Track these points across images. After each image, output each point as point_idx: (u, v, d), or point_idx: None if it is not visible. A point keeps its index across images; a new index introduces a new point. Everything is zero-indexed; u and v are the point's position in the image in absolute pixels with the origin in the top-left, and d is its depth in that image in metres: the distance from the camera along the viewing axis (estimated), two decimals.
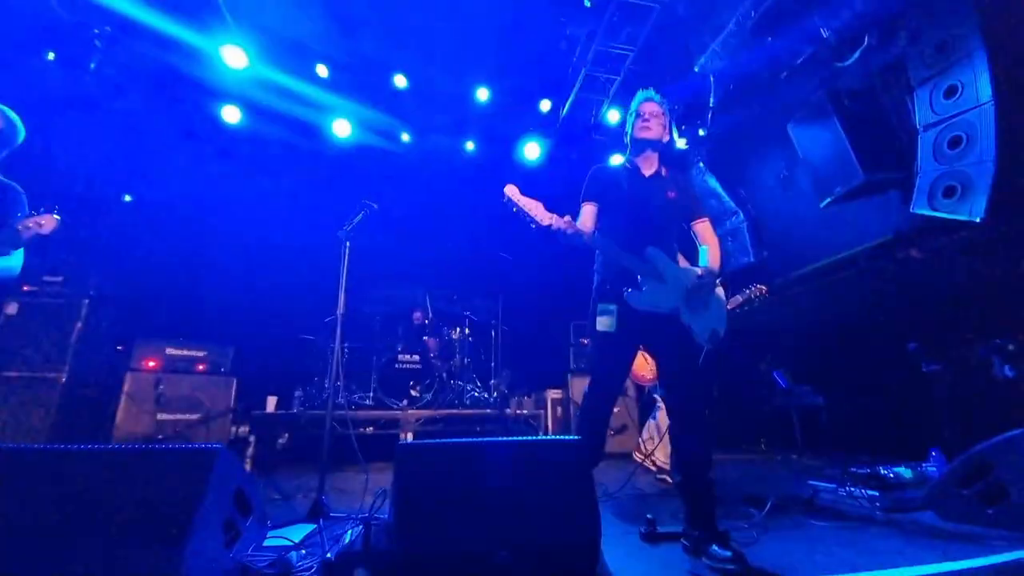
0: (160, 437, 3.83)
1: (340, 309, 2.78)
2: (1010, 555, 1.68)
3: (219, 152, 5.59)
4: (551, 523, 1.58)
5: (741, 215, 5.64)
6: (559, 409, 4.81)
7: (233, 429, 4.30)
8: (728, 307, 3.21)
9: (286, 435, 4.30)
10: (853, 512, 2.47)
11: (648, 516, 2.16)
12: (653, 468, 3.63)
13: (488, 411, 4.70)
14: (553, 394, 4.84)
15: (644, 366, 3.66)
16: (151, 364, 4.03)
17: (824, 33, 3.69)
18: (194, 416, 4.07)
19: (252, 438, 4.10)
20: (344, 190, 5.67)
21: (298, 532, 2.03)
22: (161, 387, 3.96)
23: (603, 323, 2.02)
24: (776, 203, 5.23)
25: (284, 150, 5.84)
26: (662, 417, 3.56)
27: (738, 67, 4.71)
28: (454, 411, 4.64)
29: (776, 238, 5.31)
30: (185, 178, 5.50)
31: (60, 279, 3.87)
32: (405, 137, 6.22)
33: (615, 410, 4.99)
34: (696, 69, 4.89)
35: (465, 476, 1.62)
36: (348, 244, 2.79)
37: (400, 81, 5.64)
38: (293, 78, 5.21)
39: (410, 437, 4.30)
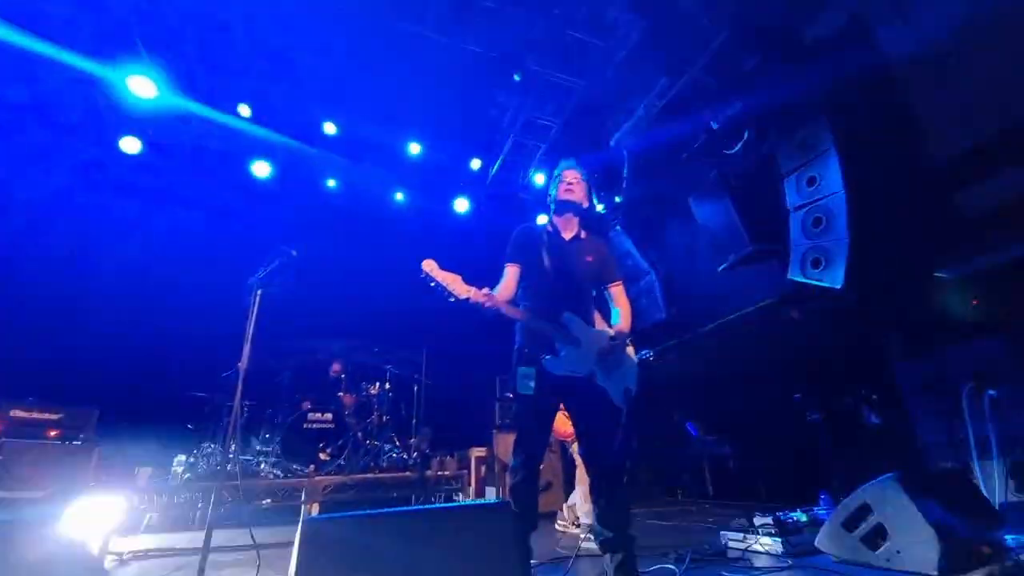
0: None
1: (243, 363, 2.50)
2: None
3: (106, 184, 5.01)
4: None
5: (653, 275, 6.15)
6: (483, 468, 4.62)
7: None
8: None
9: (149, 516, 3.64)
10: (760, 560, 2.59)
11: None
12: (576, 530, 3.57)
13: (407, 473, 4.37)
14: (477, 452, 4.65)
15: (566, 424, 3.70)
16: None
17: (714, 125, 4.35)
18: (38, 494, 3.30)
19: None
20: (257, 232, 5.31)
21: None
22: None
23: (524, 386, 2.06)
24: (682, 265, 5.80)
25: (190, 188, 5.39)
26: (580, 475, 3.56)
27: (647, 145, 5.34)
28: (369, 475, 4.25)
29: (684, 297, 5.83)
30: (60, 207, 4.82)
31: None
32: (331, 183, 6.08)
33: (540, 466, 4.93)
34: (612, 144, 5.46)
35: (382, 551, 1.45)
36: (259, 292, 2.57)
37: (329, 128, 5.58)
38: (211, 111, 4.93)
39: (315, 509, 3.84)
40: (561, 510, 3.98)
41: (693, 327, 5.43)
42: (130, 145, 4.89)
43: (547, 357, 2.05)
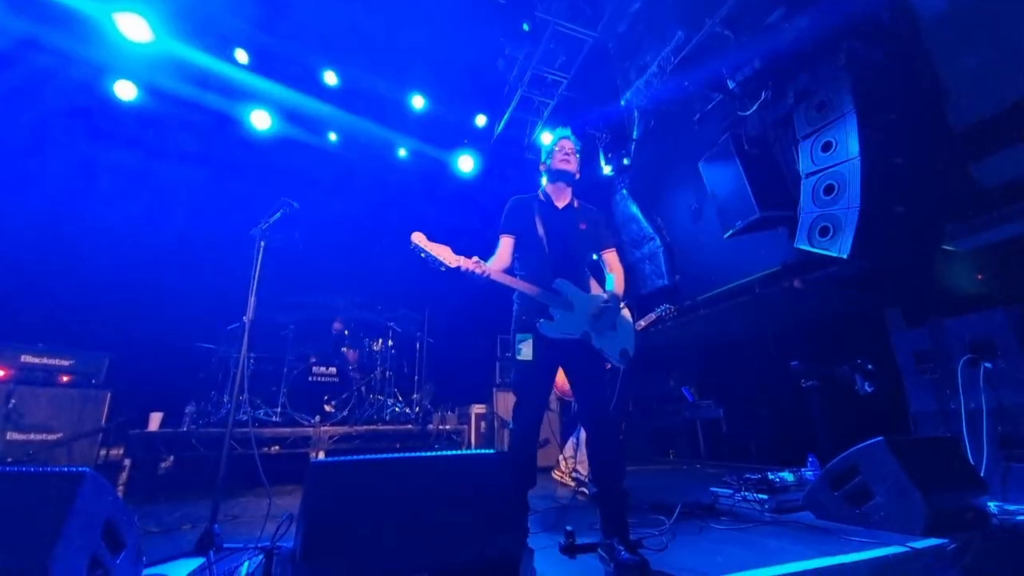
0: (9, 460, 3.18)
1: (248, 315, 2.52)
2: (874, 551, 1.94)
3: (105, 132, 4.90)
4: (472, 542, 1.53)
5: (658, 240, 6.09)
6: (483, 424, 4.76)
7: (102, 452, 3.70)
8: (643, 324, 3.46)
9: (170, 458, 3.78)
10: (747, 515, 2.71)
11: (567, 528, 2.18)
12: (572, 484, 3.72)
13: (409, 427, 4.52)
14: (477, 409, 4.79)
15: (565, 379, 3.77)
16: (0, 374, 3.36)
17: (730, 84, 4.17)
18: (53, 436, 3.44)
19: (127, 462, 3.54)
20: (260, 186, 5.24)
21: (182, 568, 1.78)
22: (12, 401, 3.31)
23: (523, 352, 2.15)
24: (687, 232, 5.73)
25: (189, 137, 5.27)
26: (583, 432, 3.67)
27: (658, 105, 5.15)
28: (372, 427, 4.40)
29: (687, 263, 5.80)
30: (60, 156, 4.74)
31: None
32: (333, 136, 5.93)
33: (539, 429, 5.09)
34: (622, 103, 5.26)
35: (383, 495, 1.52)
36: (263, 244, 2.56)
37: (330, 78, 5.39)
38: (207, 58, 4.74)
39: (322, 456, 3.99)
40: (557, 462, 4.14)
41: (695, 294, 5.43)
42: (125, 90, 4.74)
43: (541, 321, 2.12)
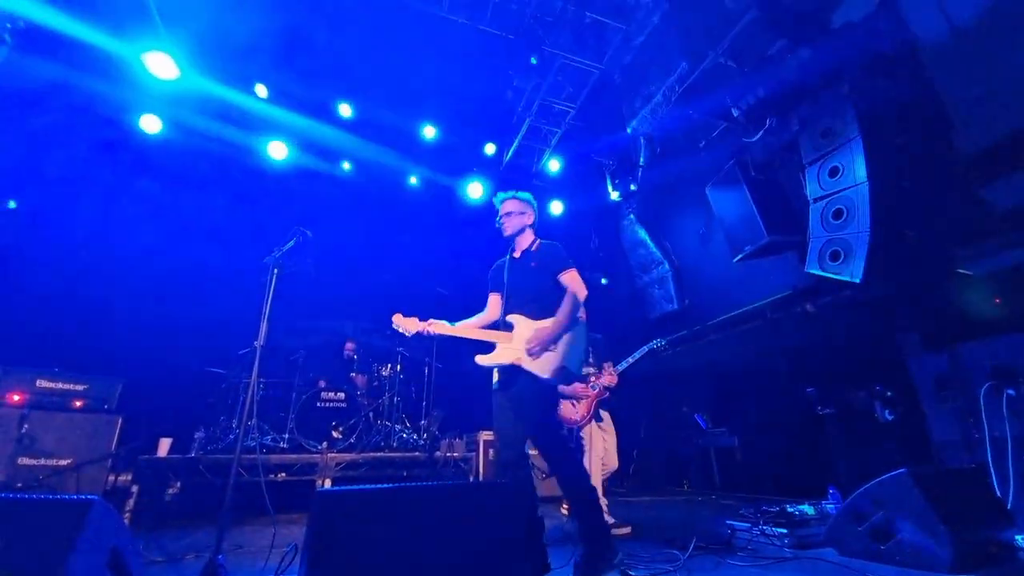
0: (18, 486, 3.19)
1: (260, 340, 2.55)
2: None
3: (128, 163, 5.09)
4: (484, 575, 1.49)
5: (666, 265, 6.09)
6: (491, 451, 4.68)
7: (111, 477, 3.69)
8: (638, 355, 3.68)
9: (178, 484, 3.76)
10: (766, 551, 2.60)
11: (576, 560, 2.12)
12: None
13: (417, 454, 4.46)
14: (486, 436, 4.71)
15: (571, 410, 3.76)
16: (15, 398, 3.41)
17: (735, 112, 4.24)
18: (63, 462, 3.45)
19: (135, 488, 3.53)
20: (275, 214, 5.37)
21: None
22: (25, 426, 3.34)
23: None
24: (696, 256, 5.73)
25: (207, 168, 5.46)
26: (586, 460, 3.60)
27: (664, 133, 5.25)
28: (380, 454, 4.34)
29: (696, 288, 5.77)
30: (86, 187, 4.92)
31: None
32: (346, 165, 6.10)
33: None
34: (628, 130, 5.37)
35: (391, 526, 1.49)
36: (276, 271, 2.61)
37: (345, 110, 5.58)
38: (228, 91, 4.96)
39: (328, 484, 3.94)
40: (563, 501, 4.04)
41: (705, 318, 5.38)
42: (150, 124, 4.95)
43: (477, 356, 2.42)
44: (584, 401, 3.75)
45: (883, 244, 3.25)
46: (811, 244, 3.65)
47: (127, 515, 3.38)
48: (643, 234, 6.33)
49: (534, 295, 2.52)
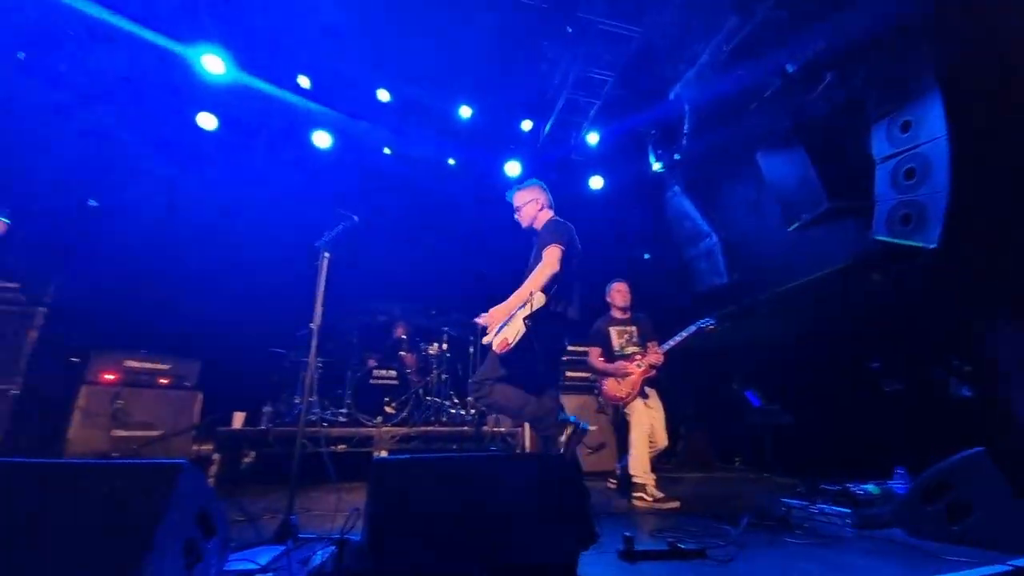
0: (115, 455, 3.61)
1: (315, 322, 2.71)
2: (974, 572, 1.74)
3: (193, 159, 5.45)
4: (529, 543, 1.55)
5: (714, 237, 5.83)
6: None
7: (195, 447, 4.10)
8: (674, 343, 3.65)
9: (252, 453, 4.11)
10: (825, 529, 2.52)
11: (625, 534, 2.14)
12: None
13: (465, 428, 4.62)
14: None
15: (617, 388, 3.74)
16: (109, 377, 3.82)
17: (790, 69, 3.92)
18: (153, 433, 3.86)
19: (216, 456, 3.91)
20: (322, 201, 5.58)
21: (264, 555, 1.93)
22: (119, 402, 3.75)
23: None
24: (747, 226, 5.43)
25: (261, 159, 5.74)
26: (631, 436, 3.59)
27: (711, 96, 4.93)
28: (430, 428, 4.54)
29: (747, 260, 5.49)
30: (156, 185, 5.33)
31: (15, 285, 3.64)
32: (387, 150, 6.22)
33: (592, 428, 5.01)
34: (672, 96, 5.10)
35: (443, 493, 1.58)
36: (326, 255, 2.74)
37: (383, 95, 5.66)
38: (274, 87, 5.16)
39: (384, 455, 4.18)
40: (610, 478, 4.07)
41: (756, 292, 5.14)
42: (206, 121, 5.26)
43: None
44: (629, 379, 3.72)
45: (963, 205, 2.93)
46: (878, 207, 3.36)
47: (211, 480, 3.76)
48: (689, 205, 6.07)
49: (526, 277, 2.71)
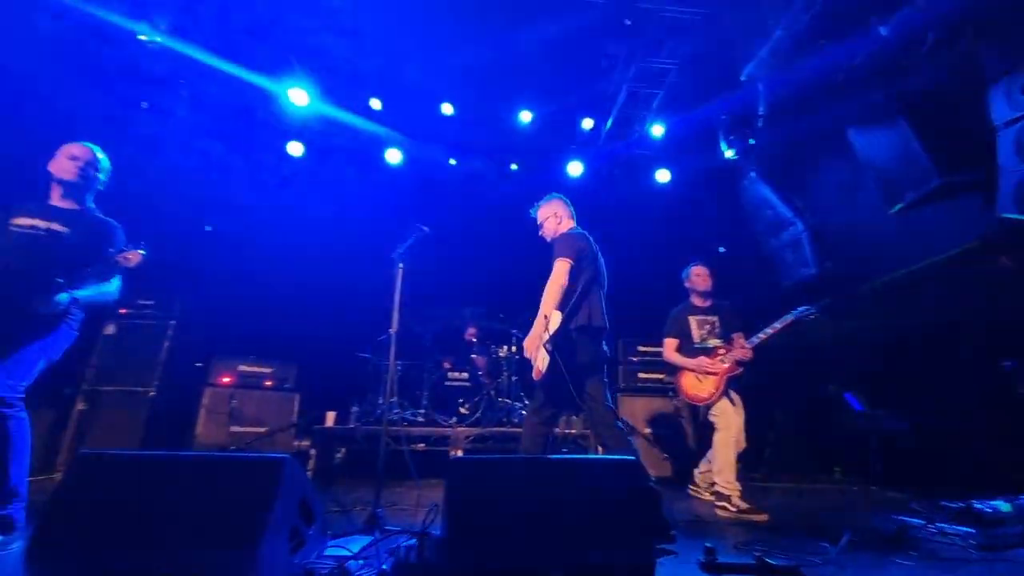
0: (233, 448, 4.13)
1: (393, 328, 2.91)
2: None
3: (284, 184, 6.09)
4: (605, 544, 1.55)
5: (800, 224, 5.35)
6: None
7: (295, 443, 4.55)
8: (765, 337, 3.35)
9: (343, 450, 4.48)
10: (944, 551, 2.22)
11: (707, 545, 2.05)
12: (710, 498, 3.44)
13: None
14: None
15: (698, 387, 3.52)
16: (226, 380, 4.38)
17: (882, 32, 3.49)
18: (261, 429, 4.35)
19: (313, 451, 4.32)
20: (396, 214, 5.96)
21: (356, 543, 2.11)
22: (234, 401, 4.29)
23: None
24: (839, 211, 4.92)
25: (343, 180, 6.26)
26: (717, 440, 3.39)
27: (789, 73, 4.54)
28: (502, 428, 4.65)
29: (841, 248, 4.97)
30: (256, 208, 6.03)
31: (151, 303, 4.32)
32: (452, 162, 6.48)
33: (669, 433, 4.83)
34: (743, 78, 4.77)
35: (517, 492, 1.63)
36: (401, 266, 2.93)
37: (447, 109, 5.90)
38: (350, 113, 5.61)
39: (459, 454, 4.35)
40: (692, 476, 3.89)
41: (853, 282, 4.63)
42: (295, 149, 5.85)
43: None
44: (712, 377, 3.47)
45: None
46: (1002, 180, 2.89)
47: (309, 473, 4.16)
48: (768, 192, 5.62)
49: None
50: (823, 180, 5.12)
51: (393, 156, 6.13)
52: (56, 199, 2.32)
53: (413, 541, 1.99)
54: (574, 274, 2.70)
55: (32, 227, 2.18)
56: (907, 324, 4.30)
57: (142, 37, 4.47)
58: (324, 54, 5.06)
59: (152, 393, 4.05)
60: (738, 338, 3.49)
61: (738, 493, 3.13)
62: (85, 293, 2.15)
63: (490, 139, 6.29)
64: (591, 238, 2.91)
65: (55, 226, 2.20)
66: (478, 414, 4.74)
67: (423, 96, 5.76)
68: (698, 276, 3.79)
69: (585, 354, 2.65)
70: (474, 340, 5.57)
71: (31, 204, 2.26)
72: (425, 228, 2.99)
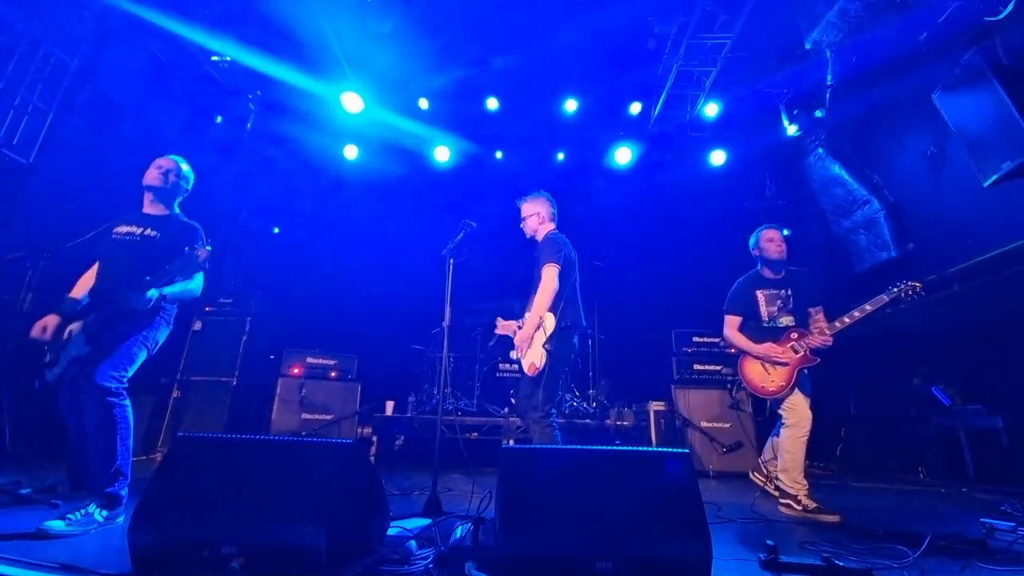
0: (304, 434, 4.47)
1: (446, 321, 3.02)
2: None
3: (341, 186, 6.44)
4: (656, 537, 1.54)
5: (876, 203, 4.91)
6: (662, 422, 4.59)
7: (359, 430, 4.85)
8: (857, 316, 2.87)
9: (401, 437, 4.72)
10: None
11: (769, 543, 1.97)
12: (775, 493, 3.26)
13: (588, 421, 4.67)
14: (656, 406, 4.63)
15: (765, 377, 3.23)
16: (296, 371, 4.73)
17: None
18: (328, 417, 4.67)
19: (374, 438, 4.59)
20: (446, 211, 6.11)
21: (415, 525, 2.24)
22: (304, 391, 4.63)
23: None
24: (922, 186, 4.47)
25: (394, 180, 6.51)
26: (785, 437, 3.18)
27: (861, 36, 4.14)
28: None
29: (925, 227, 4.52)
30: (316, 210, 6.42)
31: (230, 300, 4.76)
32: (499, 155, 6.52)
33: (727, 426, 4.64)
34: (808, 46, 4.41)
35: (568, 482, 1.65)
36: (452, 261, 3.02)
37: (492, 104, 5.93)
38: (400, 115, 5.79)
39: (512, 444, 4.44)
40: (755, 470, 3.70)
41: (940, 265, 4.20)
42: (350, 152, 6.15)
43: None
44: (783, 368, 2.99)
45: None
46: None
47: (372, 458, 4.42)
48: (838, 169, 5.19)
49: (532, 288, 2.93)
50: (904, 152, 4.66)
51: (442, 154, 6.27)
52: (148, 207, 2.60)
53: (469, 525, 2.08)
54: (562, 278, 2.89)
55: (129, 234, 2.46)
56: (1001, 311, 3.84)
57: (214, 58, 4.87)
58: (372, 60, 5.23)
59: (234, 382, 4.47)
60: (818, 317, 3.01)
61: (805, 492, 2.94)
62: (172, 289, 2.39)
63: (535, 131, 6.27)
64: (568, 241, 3.11)
65: (148, 231, 2.47)
66: None
67: (469, 92, 5.82)
68: (770, 241, 3.18)
69: (571, 350, 2.92)
70: None
71: (129, 214, 2.56)
72: (472, 223, 3.06)
